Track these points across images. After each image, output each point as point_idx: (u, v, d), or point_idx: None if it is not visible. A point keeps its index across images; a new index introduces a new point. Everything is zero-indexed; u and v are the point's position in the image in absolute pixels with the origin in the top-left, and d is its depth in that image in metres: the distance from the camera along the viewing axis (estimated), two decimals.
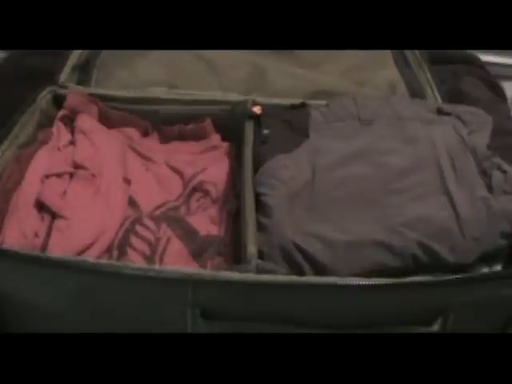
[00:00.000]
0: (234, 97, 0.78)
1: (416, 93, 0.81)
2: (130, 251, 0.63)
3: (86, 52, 0.83)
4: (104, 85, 0.81)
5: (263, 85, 0.82)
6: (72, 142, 0.73)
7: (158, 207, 0.72)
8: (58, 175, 0.68)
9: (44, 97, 0.75)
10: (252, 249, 0.59)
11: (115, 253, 0.63)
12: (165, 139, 0.80)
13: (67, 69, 0.80)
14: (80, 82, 0.81)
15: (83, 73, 0.83)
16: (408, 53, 0.87)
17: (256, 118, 0.73)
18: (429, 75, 0.83)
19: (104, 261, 0.61)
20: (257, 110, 0.73)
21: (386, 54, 0.87)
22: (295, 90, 0.80)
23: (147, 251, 0.64)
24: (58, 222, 0.62)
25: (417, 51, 0.86)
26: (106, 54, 0.84)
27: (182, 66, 0.83)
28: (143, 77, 0.82)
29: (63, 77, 0.79)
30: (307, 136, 0.70)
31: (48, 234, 0.62)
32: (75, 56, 0.81)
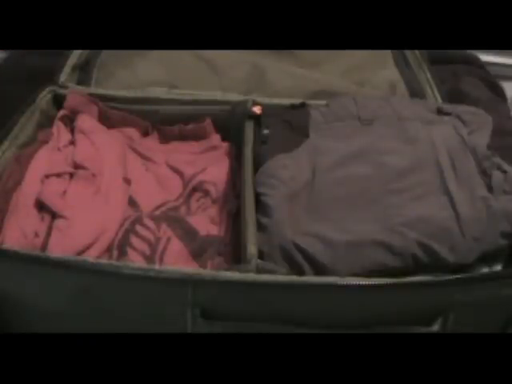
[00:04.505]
0: (234, 97, 0.77)
1: (416, 93, 0.81)
2: (130, 251, 0.63)
3: (86, 52, 0.83)
4: (104, 85, 0.81)
5: (263, 85, 0.81)
6: (72, 142, 0.73)
7: (158, 207, 0.72)
8: (58, 175, 0.68)
9: (44, 97, 0.75)
10: (252, 249, 0.59)
11: (115, 253, 0.63)
12: (165, 139, 0.80)
13: (67, 69, 0.80)
14: (80, 82, 0.81)
15: (83, 73, 0.83)
16: (408, 53, 0.87)
17: (256, 118, 0.73)
18: (429, 75, 0.82)
19: (104, 261, 0.60)
20: (257, 109, 0.73)
21: (386, 54, 0.87)
22: (295, 90, 0.80)
23: (147, 251, 0.64)
24: (58, 222, 0.63)
25: (417, 51, 0.86)
26: (106, 54, 0.84)
27: (182, 65, 0.83)
28: (143, 77, 0.82)
29: (63, 77, 0.79)
30: (307, 136, 0.70)
31: (48, 234, 0.62)
32: (75, 56, 0.81)
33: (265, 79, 0.82)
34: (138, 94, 0.78)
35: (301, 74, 0.84)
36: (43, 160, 0.69)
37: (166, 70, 0.82)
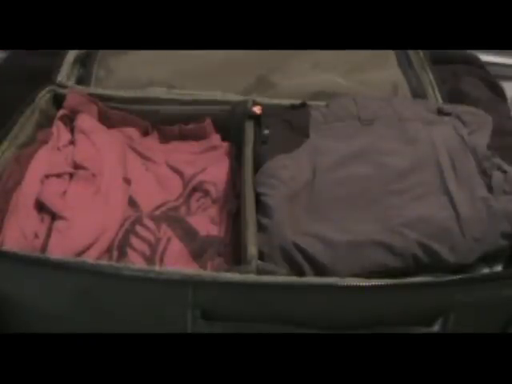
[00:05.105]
0: (234, 97, 0.77)
1: (418, 93, 0.81)
2: (130, 252, 0.63)
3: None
4: (104, 82, 0.80)
5: (264, 85, 0.81)
6: (72, 142, 0.73)
7: (158, 207, 0.71)
8: (58, 175, 0.68)
9: (43, 96, 0.75)
10: (252, 249, 0.59)
11: (115, 253, 0.63)
12: (165, 139, 0.79)
13: (65, 67, 0.79)
14: (80, 78, 0.81)
15: (83, 67, 0.82)
16: (411, 53, 0.86)
17: (256, 118, 0.73)
18: (431, 76, 0.82)
19: (104, 262, 0.60)
20: (257, 109, 0.73)
21: (389, 54, 0.87)
22: (296, 91, 0.80)
23: (147, 251, 0.64)
24: (58, 223, 0.62)
25: (420, 51, 0.85)
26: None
27: (182, 65, 0.83)
28: (143, 75, 0.81)
29: (61, 75, 0.78)
30: (307, 136, 0.70)
31: (48, 235, 0.61)
32: (72, 54, 0.81)
33: (266, 79, 0.82)
34: (138, 94, 0.77)
35: (302, 74, 0.83)
36: (43, 160, 0.69)
37: (166, 70, 0.82)
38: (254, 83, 0.82)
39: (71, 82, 0.79)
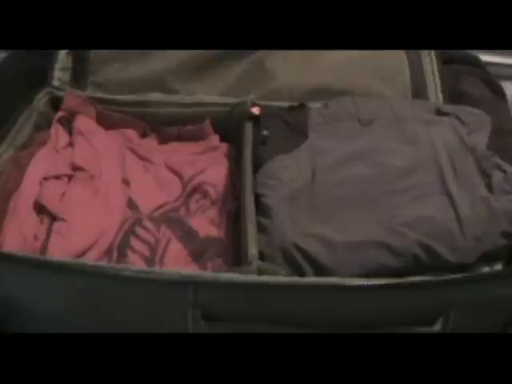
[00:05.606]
0: (233, 99, 0.77)
1: (419, 91, 0.80)
2: (129, 253, 0.63)
3: None
4: (99, 75, 0.80)
5: (263, 82, 0.80)
6: (70, 144, 0.73)
7: (157, 208, 0.71)
8: (57, 177, 0.68)
9: (41, 98, 0.75)
10: (253, 250, 0.59)
11: (115, 255, 0.63)
12: (163, 140, 0.79)
13: (58, 65, 0.79)
14: (76, 71, 0.80)
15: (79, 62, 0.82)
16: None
17: (255, 119, 0.73)
18: (436, 74, 0.82)
19: (104, 263, 0.60)
20: (256, 110, 0.73)
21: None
22: (296, 87, 0.79)
23: (147, 253, 0.64)
24: (58, 225, 0.62)
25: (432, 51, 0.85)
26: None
27: (183, 65, 0.82)
28: (141, 71, 0.81)
29: (56, 76, 0.78)
30: (306, 136, 0.70)
31: (47, 237, 0.61)
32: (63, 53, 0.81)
33: (265, 76, 0.80)
34: (137, 97, 0.77)
35: (302, 69, 0.82)
36: (42, 162, 0.69)
37: (167, 70, 0.82)
38: (252, 79, 0.80)
39: (66, 78, 0.79)
